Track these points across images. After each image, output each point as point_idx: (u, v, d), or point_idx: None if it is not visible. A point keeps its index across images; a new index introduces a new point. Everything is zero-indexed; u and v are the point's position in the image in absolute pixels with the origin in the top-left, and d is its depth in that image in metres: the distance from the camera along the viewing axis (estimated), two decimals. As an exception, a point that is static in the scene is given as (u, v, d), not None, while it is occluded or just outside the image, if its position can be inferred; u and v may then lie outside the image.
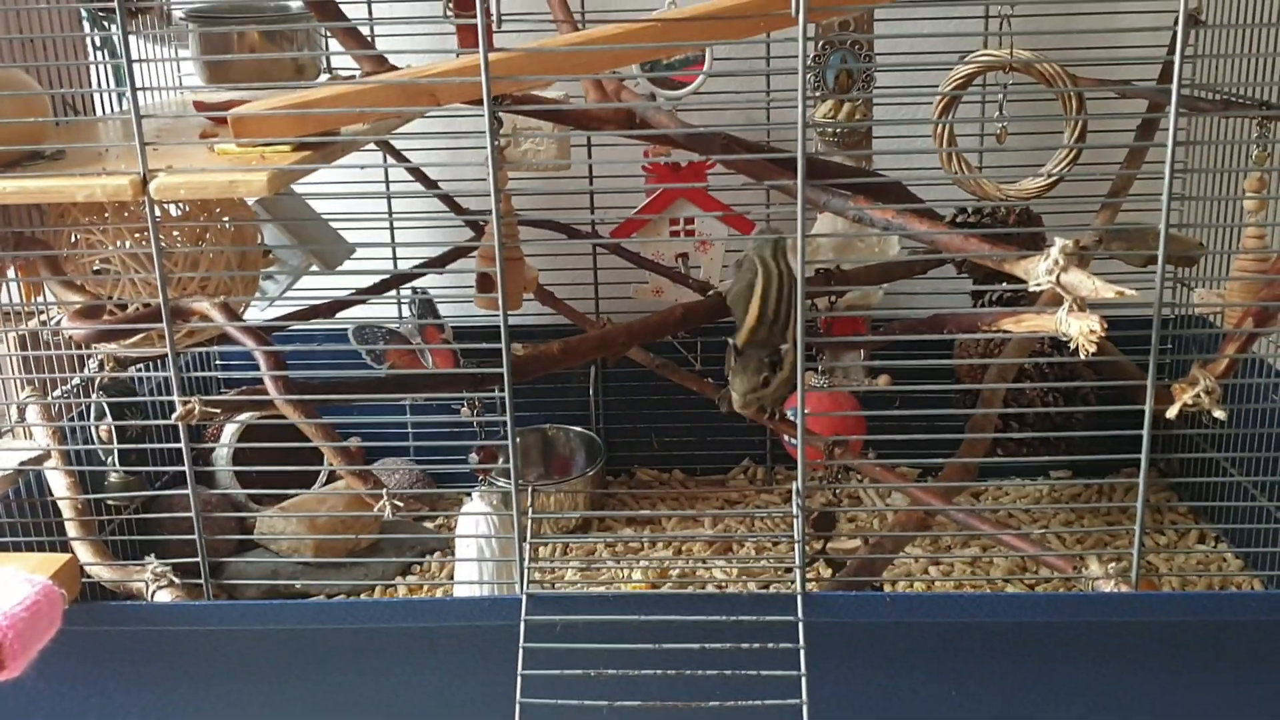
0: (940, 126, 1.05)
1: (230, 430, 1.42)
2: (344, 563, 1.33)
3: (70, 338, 1.04)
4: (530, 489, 1.08)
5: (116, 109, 1.30)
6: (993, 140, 1.29)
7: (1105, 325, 0.84)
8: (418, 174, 1.38)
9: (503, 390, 0.98)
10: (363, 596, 1.29)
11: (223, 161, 0.95)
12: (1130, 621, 0.90)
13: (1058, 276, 0.86)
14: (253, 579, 1.27)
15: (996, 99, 1.14)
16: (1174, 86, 0.88)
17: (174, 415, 0.92)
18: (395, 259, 1.45)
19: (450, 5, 1.30)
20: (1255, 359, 1.26)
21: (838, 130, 1.40)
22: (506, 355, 0.93)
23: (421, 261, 1.41)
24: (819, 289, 1.26)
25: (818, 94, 1.39)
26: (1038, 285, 0.87)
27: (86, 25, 1.29)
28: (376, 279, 1.34)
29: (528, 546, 0.95)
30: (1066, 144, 1.04)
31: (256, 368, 0.95)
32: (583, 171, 1.47)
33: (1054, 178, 1.05)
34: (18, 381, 1.15)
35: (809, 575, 1.21)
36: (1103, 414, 1.13)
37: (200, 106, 1.15)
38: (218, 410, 0.93)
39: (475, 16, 0.86)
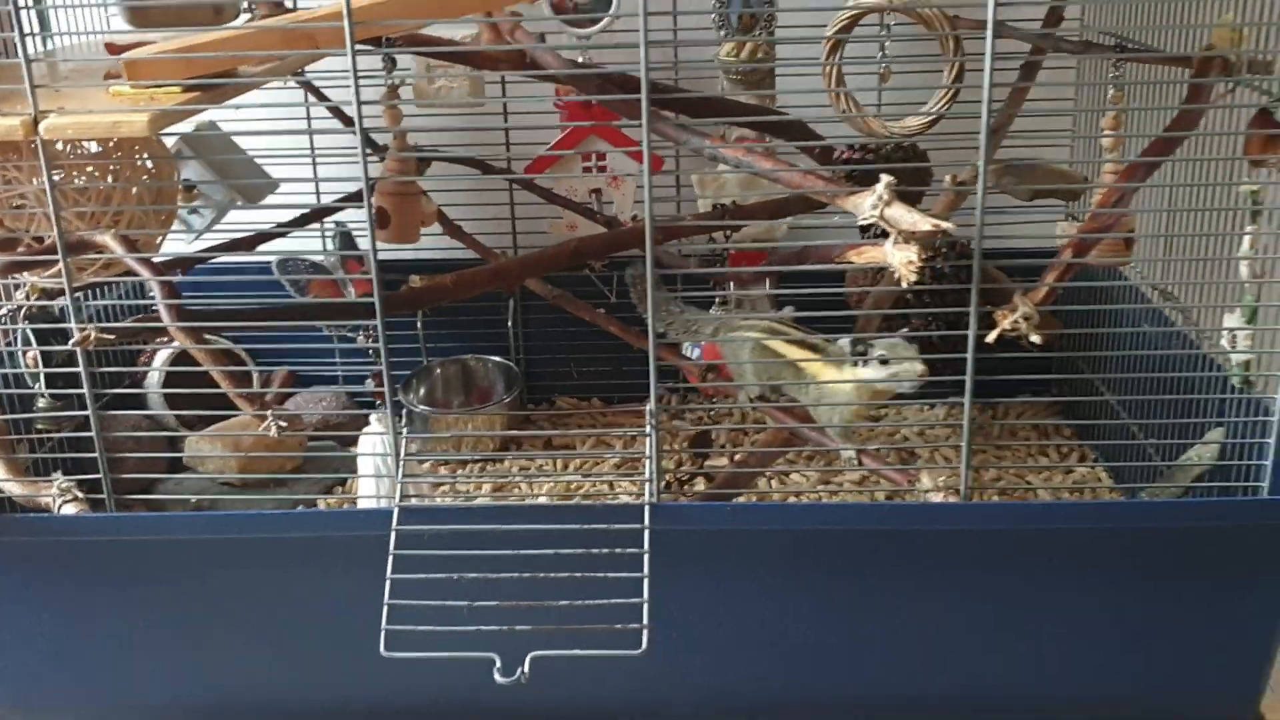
0: (829, 67, 1.11)
1: (162, 356, 1.49)
2: (268, 481, 1.41)
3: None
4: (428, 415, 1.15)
5: (41, 50, 1.36)
6: (880, 79, 1.37)
7: (923, 255, 0.90)
8: (336, 112, 1.43)
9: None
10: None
11: (117, 103, 1.01)
12: (951, 530, 0.98)
13: (881, 211, 0.92)
14: (180, 497, 1.35)
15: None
16: (989, 20, 0.94)
17: (70, 341, 0.99)
18: (318, 194, 1.51)
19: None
20: (1131, 287, 1.32)
21: (740, 69, 1.45)
22: (378, 287, 0.99)
23: (341, 196, 1.47)
24: (715, 223, 1.34)
25: (722, 33, 1.44)
26: (864, 219, 0.93)
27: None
28: (298, 213, 1.41)
29: (402, 462, 1.02)
30: (945, 84, 1.10)
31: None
32: (498, 109, 1.53)
33: (934, 115, 1.11)
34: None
35: (688, 490, 1.30)
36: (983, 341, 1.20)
37: (111, 49, 1.21)
38: (112, 336, 1.00)
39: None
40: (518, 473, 1.46)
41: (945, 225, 0.90)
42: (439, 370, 1.56)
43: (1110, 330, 1.35)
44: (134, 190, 1.12)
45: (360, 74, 0.94)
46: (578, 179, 1.48)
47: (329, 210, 1.46)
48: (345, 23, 0.92)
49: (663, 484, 1.03)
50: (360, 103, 0.96)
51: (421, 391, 1.54)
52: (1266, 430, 0.98)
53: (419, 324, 1.49)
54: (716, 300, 1.46)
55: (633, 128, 1.45)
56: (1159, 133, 1.06)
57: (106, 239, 1.05)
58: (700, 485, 1.30)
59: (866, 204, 0.92)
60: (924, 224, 0.91)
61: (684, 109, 1.18)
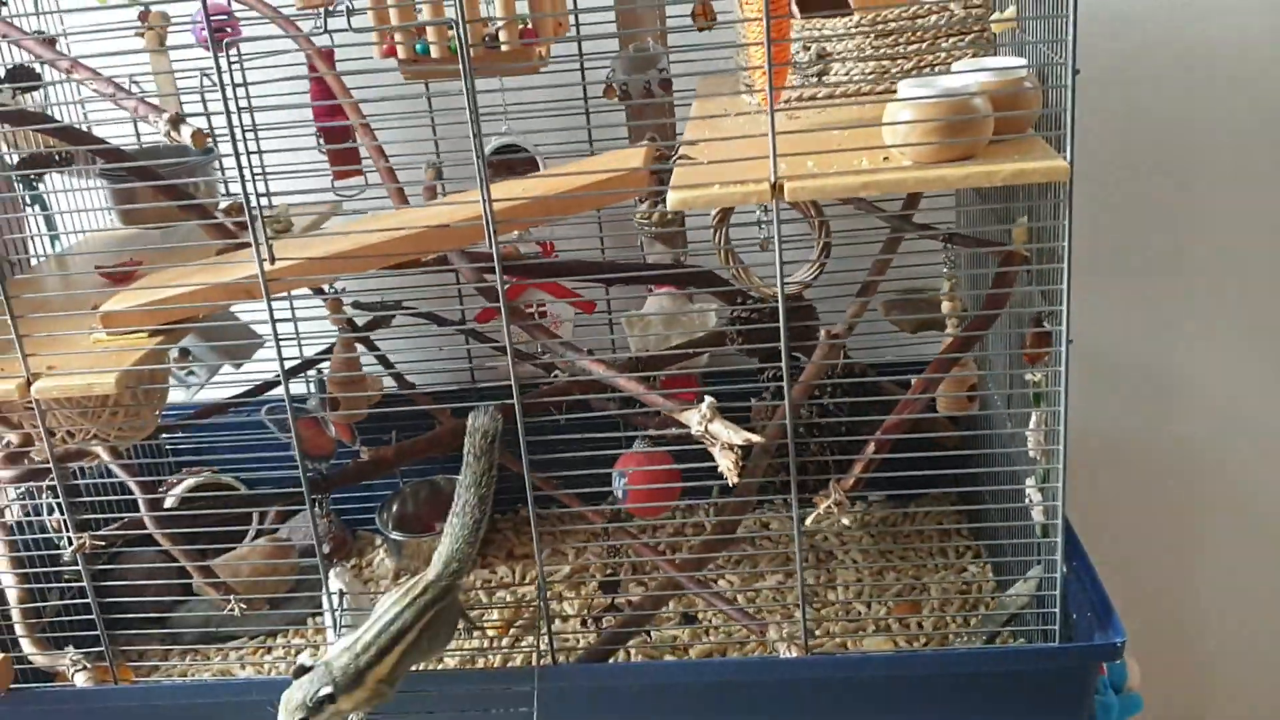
0: (718, 235, 1.28)
1: (169, 502, 1.73)
2: (266, 602, 1.64)
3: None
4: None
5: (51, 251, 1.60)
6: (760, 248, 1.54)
7: (739, 463, 1.09)
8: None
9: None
10: (279, 637, 1.61)
11: (97, 350, 1.22)
12: (793, 680, 1.17)
13: (705, 426, 1.11)
14: (190, 627, 1.59)
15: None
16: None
17: (71, 548, 1.23)
18: (300, 348, 1.73)
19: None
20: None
21: (652, 228, 1.64)
22: (306, 486, 1.21)
23: (321, 351, 1.69)
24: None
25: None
26: (695, 431, 1.12)
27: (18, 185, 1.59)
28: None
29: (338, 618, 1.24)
30: (813, 258, 1.28)
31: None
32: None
33: (804, 283, 1.29)
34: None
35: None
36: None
37: (102, 272, 1.43)
38: (104, 543, 1.23)
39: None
40: (479, 586, 1.67)
41: (754, 439, 1.09)
42: (409, 491, 1.78)
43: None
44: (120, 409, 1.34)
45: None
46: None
47: (312, 363, 1.69)
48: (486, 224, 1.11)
49: (549, 653, 1.23)
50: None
51: (394, 510, 1.76)
52: (1054, 585, 1.16)
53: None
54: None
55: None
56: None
57: (98, 450, 1.28)
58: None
59: (694, 419, 1.12)
60: (737, 437, 1.10)
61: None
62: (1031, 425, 1.17)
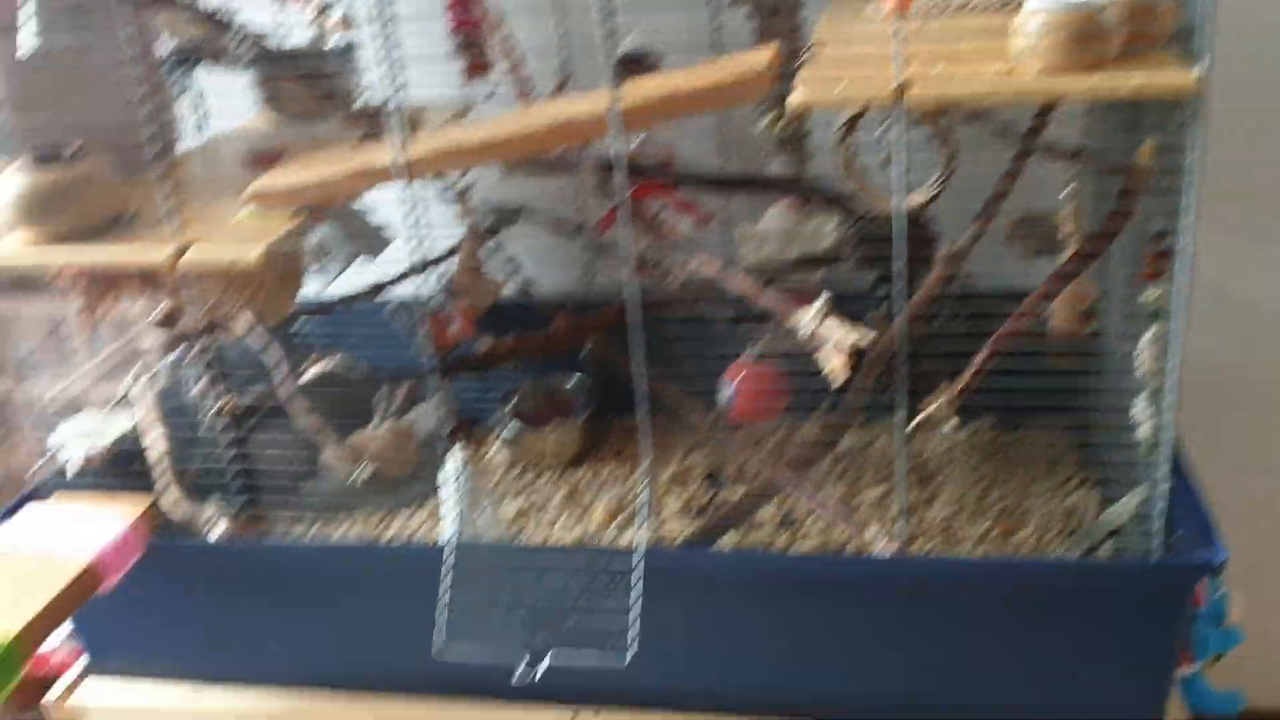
0: (842, 144, 1.29)
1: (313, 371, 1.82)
2: (389, 484, 1.73)
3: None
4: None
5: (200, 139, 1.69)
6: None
7: (849, 363, 1.12)
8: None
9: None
10: (397, 516, 1.70)
11: (241, 227, 1.31)
12: (887, 577, 1.20)
13: (819, 321, 1.14)
14: (316, 497, 1.69)
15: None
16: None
17: (213, 410, 1.32)
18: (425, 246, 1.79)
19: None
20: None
21: (779, 138, 1.65)
22: (432, 369, 1.27)
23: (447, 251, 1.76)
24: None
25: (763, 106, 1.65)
26: (806, 331, 1.15)
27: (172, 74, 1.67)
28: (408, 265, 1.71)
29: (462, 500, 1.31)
30: (936, 177, 1.29)
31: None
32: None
33: (928, 198, 1.30)
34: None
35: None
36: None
37: (249, 158, 1.51)
38: (245, 407, 1.32)
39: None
40: (590, 481, 1.74)
41: (867, 336, 1.11)
42: (527, 389, 1.85)
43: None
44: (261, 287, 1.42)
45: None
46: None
47: (435, 262, 1.75)
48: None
49: (655, 528, 1.29)
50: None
51: (512, 406, 1.83)
52: (1156, 501, 1.16)
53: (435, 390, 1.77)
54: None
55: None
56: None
57: (238, 323, 1.37)
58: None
59: (806, 319, 1.14)
60: (850, 335, 1.12)
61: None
62: (1144, 341, 1.17)
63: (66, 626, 1.50)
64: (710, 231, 1.73)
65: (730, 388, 1.64)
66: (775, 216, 1.70)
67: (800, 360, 1.20)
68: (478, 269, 1.46)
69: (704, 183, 1.53)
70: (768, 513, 1.53)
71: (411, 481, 1.76)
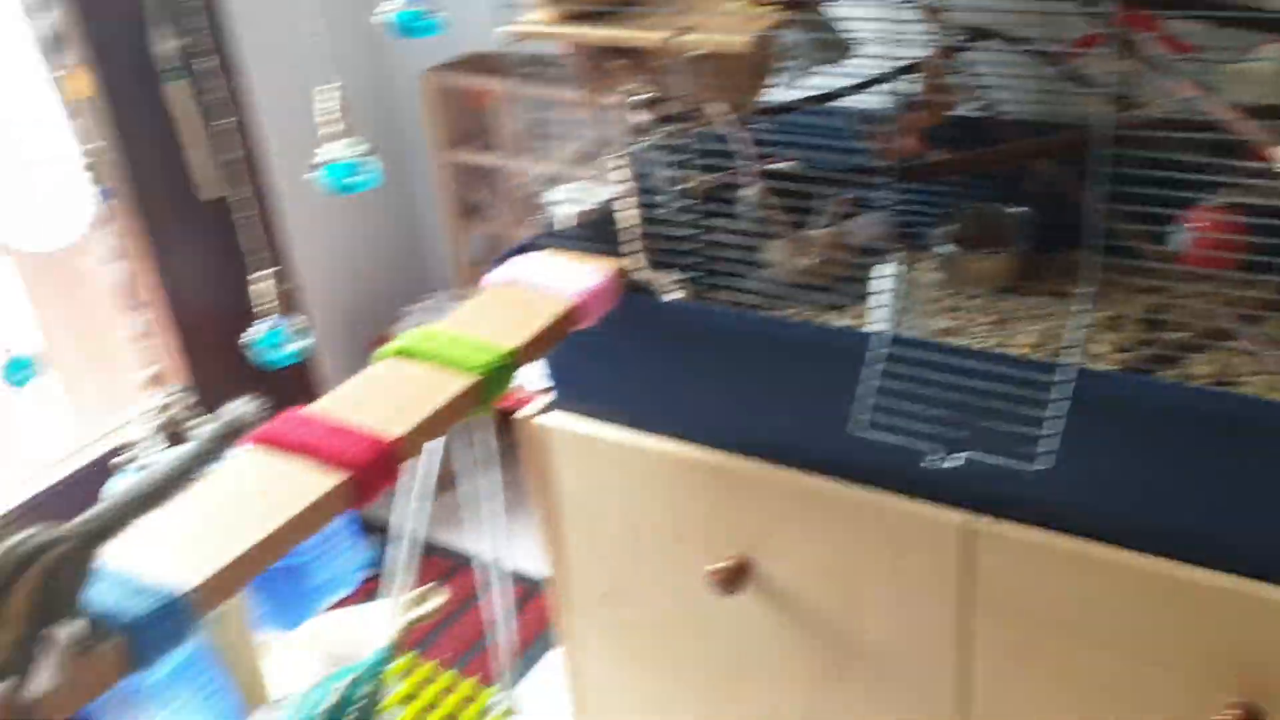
0: None
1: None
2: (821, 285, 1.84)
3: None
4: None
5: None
6: None
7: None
8: None
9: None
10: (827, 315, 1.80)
11: (731, 17, 1.42)
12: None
13: (1305, 162, 1.09)
14: (749, 289, 1.84)
15: None
16: None
17: (680, 190, 1.47)
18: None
19: None
20: None
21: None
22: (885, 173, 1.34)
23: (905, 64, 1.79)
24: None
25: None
26: (1283, 167, 1.10)
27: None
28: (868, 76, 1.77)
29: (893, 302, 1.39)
30: None
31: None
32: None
33: None
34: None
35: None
36: None
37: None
38: (707, 190, 1.46)
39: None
40: (1018, 310, 1.75)
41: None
42: (969, 213, 1.87)
43: None
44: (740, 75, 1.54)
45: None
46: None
47: (899, 74, 1.80)
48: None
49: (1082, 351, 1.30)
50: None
51: (950, 228, 1.86)
52: None
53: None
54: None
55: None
56: None
57: (712, 110, 1.50)
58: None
59: (1289, 153, 1.09)
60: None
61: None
62: None
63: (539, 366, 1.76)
64: (1191, 65, 1.65)
65: (1187, 231, 1.59)
66: (1271, 57, 1.59)
67: (1265, 214, 1.15)
68: (943, 86, 1.49)
69: (1194, 8, 1.45)
70: (1202, 366, 1.50)
71: (845, 285, 1.85)
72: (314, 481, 1.17)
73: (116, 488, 2.06)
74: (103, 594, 0.99)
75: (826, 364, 1.48)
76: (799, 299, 1.83)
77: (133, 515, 1.01)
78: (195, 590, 1.02)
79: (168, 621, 0.98)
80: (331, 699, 1.34)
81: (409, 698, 1.60)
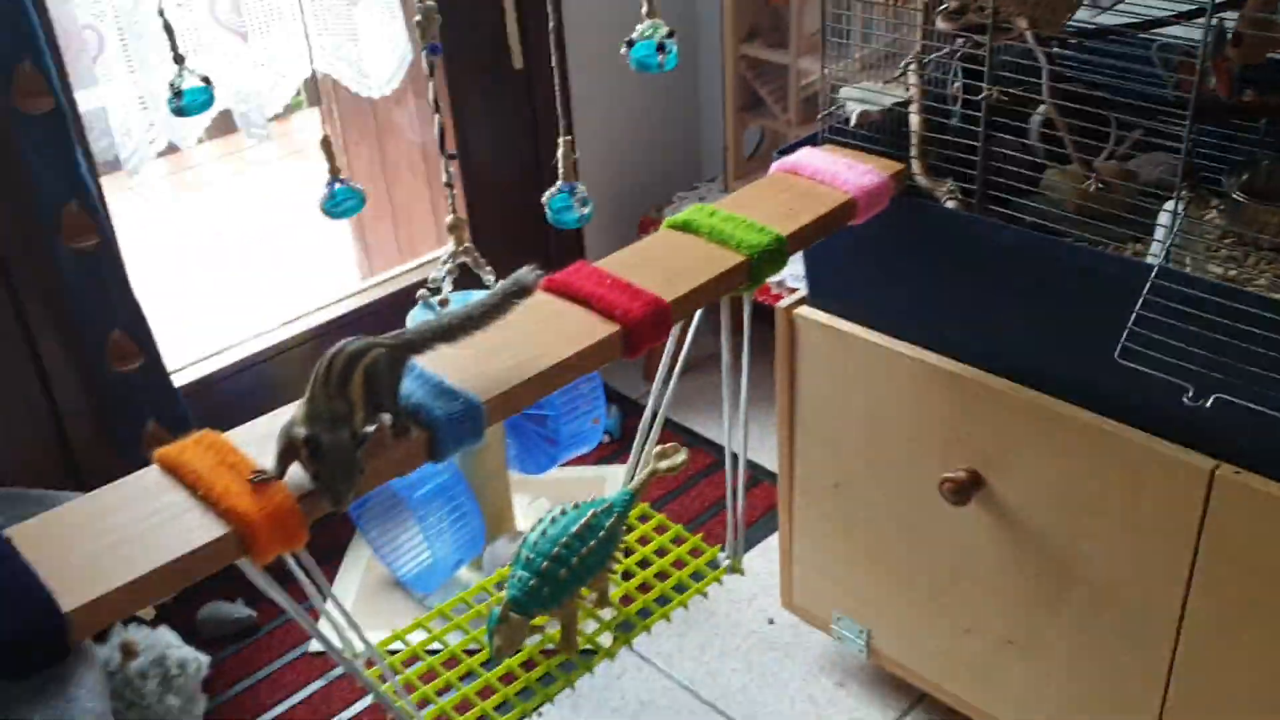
0: None
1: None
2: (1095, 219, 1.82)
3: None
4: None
5: None
6: None
7: None
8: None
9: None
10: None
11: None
12: None
13: None
14: (1026, 210, 1.83)
15: None
16: None
17: (976, 97, 1.48)
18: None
19: None
20: None
21: None
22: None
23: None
24: None
25: None
26: None
27: None
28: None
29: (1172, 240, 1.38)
30: None
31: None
32: None
33: None
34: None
35: None
36: None
37: None
38: (1007, 97, 1.47)
39: None
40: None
41: None
42: (1266, 163, 1.79)
43: None
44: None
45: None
46: None
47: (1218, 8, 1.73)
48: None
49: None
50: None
51: (1244, 175, 1.79)
52: None
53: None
54: None
55: None
56: None
57: (1017, 25, 1.50)
58: None
59: None
60: None
61: None
62: None
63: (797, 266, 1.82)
64: None
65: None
66: None
67: None
68: (1266, 23, 1.44)
69: None
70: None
71: (1125, 218, 1.82)
72: (595, 326, 1.29)
73: (419, 317, 2.28)
74: (415, 393, 1.15)
75: (1098, 292, 1.49)
76: (1075, 226, 1.82)
77: (433, 341, 1.16)
78: (490, 400, 1.17)
79: (467, 423, 1.13)
80: (585, 518, 1.49)
81: (642, 540, 1.74)
